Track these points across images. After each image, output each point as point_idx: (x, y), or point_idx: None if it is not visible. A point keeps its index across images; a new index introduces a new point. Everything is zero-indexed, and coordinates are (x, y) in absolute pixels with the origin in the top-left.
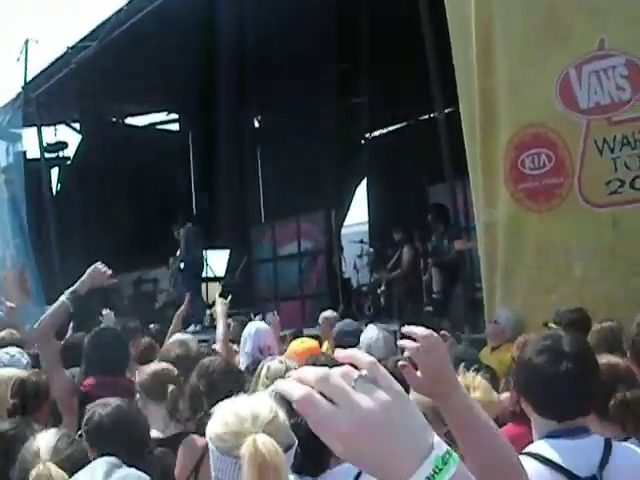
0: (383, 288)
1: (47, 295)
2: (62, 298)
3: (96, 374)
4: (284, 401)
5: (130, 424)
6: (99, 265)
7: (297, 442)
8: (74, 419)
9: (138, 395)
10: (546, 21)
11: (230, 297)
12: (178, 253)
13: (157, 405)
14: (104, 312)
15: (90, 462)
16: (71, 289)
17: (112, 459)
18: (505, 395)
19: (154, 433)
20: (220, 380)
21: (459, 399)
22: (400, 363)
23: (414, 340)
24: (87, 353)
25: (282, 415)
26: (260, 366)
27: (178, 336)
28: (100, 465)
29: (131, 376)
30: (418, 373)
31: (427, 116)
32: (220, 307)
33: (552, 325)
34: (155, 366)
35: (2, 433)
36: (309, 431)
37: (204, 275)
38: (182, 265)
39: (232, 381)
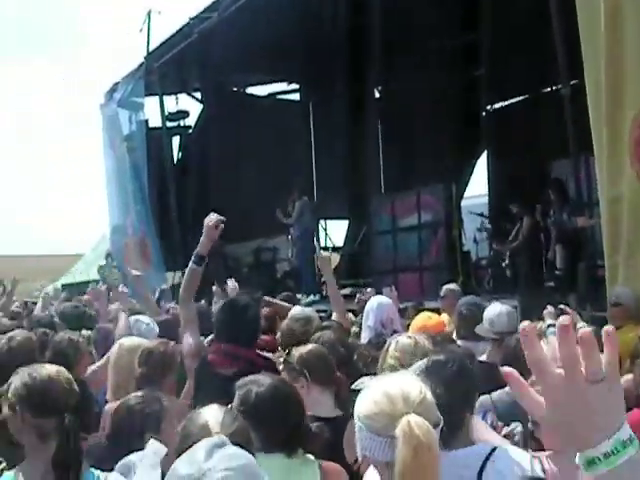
0: (507, 262)
1: (167, 263)
2: (190, 263)
3: (223, 342)
4: (428, 380)
5: (287, 403)
6: (207, 218)
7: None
8: (191, 381)
9: (288, 375)
10: None
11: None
12: (293, 225)
13: (321, 391)
14: (229, 282)
15: (250, 438)
16: (194, 252)
17: (215, 439)
18: (628, 377)
19: (321, 413)
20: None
21: None
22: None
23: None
24: (218, 320)
25: (429, 394)
26: (388, 343)
27: (298, 309)
28: (202, 445)
29: None
30: None
31: (550, 88)
32: (324, 267)
33: None
34: (316, 347)
35: (130, 406)
36: (445, 411)
37: (322, 245)
38: (298, 234)
39: (339, 353)
